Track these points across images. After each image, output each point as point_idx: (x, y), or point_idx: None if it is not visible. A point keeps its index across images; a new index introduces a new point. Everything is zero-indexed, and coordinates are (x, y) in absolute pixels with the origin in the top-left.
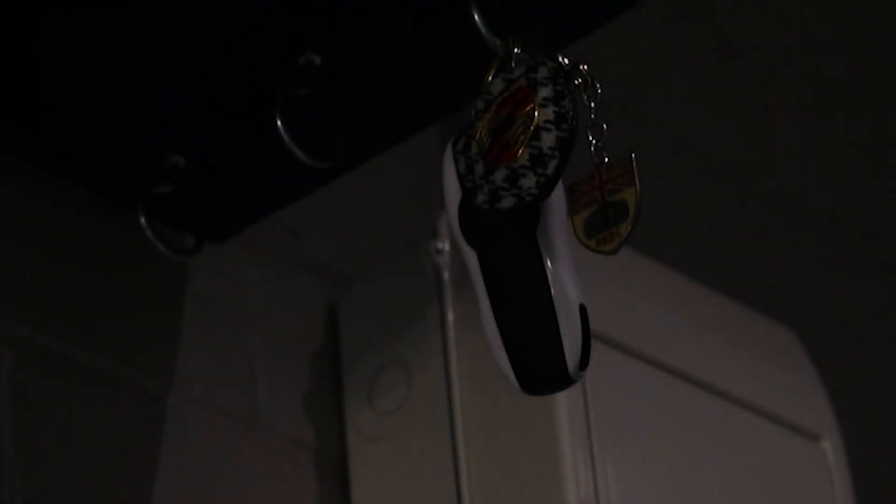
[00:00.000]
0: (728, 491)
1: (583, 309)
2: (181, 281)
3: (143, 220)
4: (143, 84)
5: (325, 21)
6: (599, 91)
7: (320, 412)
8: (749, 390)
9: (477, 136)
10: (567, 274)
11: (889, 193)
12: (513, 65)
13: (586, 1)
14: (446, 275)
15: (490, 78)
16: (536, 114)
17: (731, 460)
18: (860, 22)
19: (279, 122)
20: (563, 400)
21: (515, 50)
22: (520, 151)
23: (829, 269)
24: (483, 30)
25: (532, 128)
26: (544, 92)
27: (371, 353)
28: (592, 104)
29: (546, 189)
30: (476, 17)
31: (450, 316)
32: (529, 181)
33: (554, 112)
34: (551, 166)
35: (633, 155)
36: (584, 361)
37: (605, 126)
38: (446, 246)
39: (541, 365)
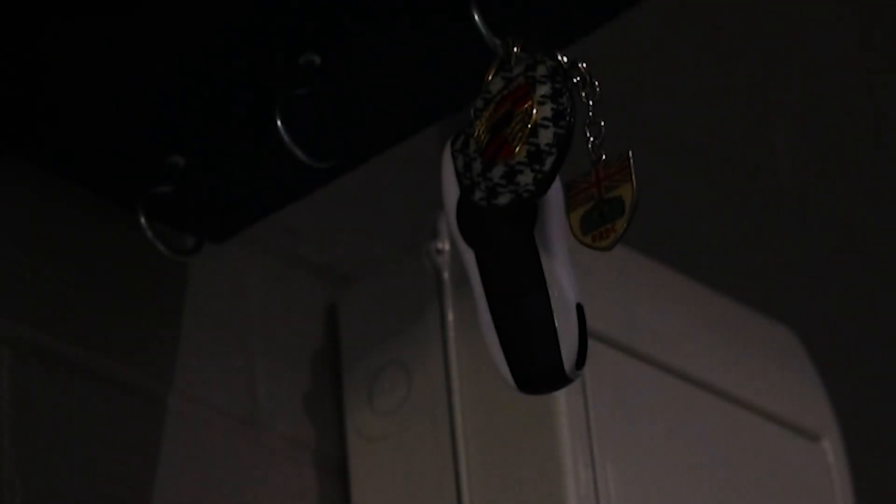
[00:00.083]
0: (728, 491)
1: (580, 308)
2: (181, 281)
3: (143, 220)
4: (143, 84)
5: (325, 21)
6: (598, 89)
7: (320, 412)
8: (749, 390)
9: (475, 134)
10: (564, 272)
11: (889, 193)
12: (512, 64)
13: (586, 1)
14: (446, 275)
15: (490, 77)
16: (534, 111)
17: (731, 460)
18: (860, 22)
19: (279, 122)
20: (563, 400)
21: (515, 49)
22: (517, 148)
23: (829, 269)
24: (483, 30)
25: (530, 125)
26: (543, 89)
27: (371, 353)
28: (590, 102)
29: (543, 185)
30: (476, 17)
31: (450, 316)
32: (527, 178)
33: (552, 109)
34: (549, 163)
35: (630, 152)
36: (580, 360)
37: (602, 124)
38: (446, 246)
39: (537, 364)
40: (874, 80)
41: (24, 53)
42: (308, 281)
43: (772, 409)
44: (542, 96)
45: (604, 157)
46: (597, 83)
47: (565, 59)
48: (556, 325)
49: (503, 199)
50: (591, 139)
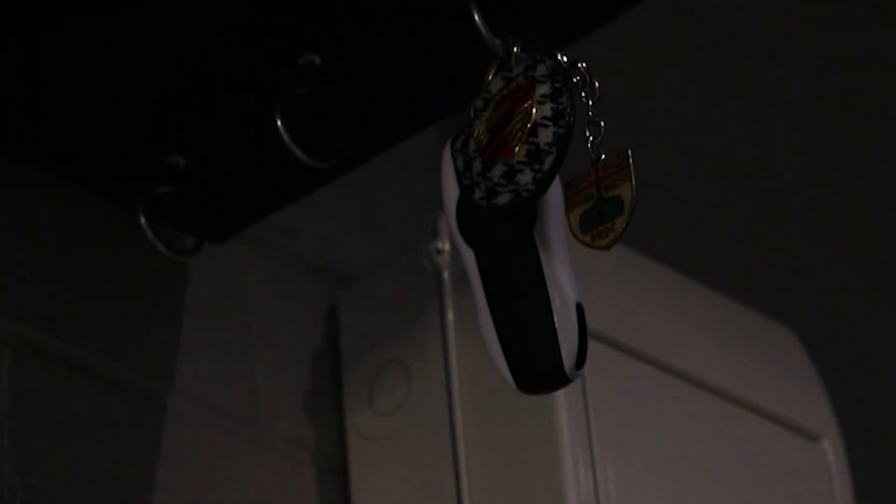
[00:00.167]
0: (728, 491)
1: (579, 307)
2: (181, 281)
3: (143, 220)
4: (143, 84)
5: (325, 21)
6: (597, 88)
7: (320, 412)
8: (749, 390)
9: (475, 134)
10: (564, 272)
11: (889, 193)
12: (512, 64)
13: (586, 1)
14: (446, 275)
15: (490, 77)
16: (534, 110)
17: (731, 460)
18: (860, 21)
19: (279, 122)
20: (563, 400)
21: (515, 49)
22: (517, 148)
23: (829, 269)
24: (483, 30)
25: (529, 124)
26: (542, 89)
27: (371, 353)
28: (590, 101)
29: (543, 185)
30: (476, 17)
31: (450, 316)
32: (526, 177)
33: (551, 109)
34: (548, 162)
35: (629, 151)
36: (580, 360)
37: (602, 123)
38: (446, 246)
39: (537, 364)
40: (874, 80)
41: (24, 53)
42: (308, 281)
43: (772, 409)
44: (542, 96)
45: (603, 156)
46: (596, 83)
47: (565, 58)
48: (556, 324)
49: (503, 199)
50: (591, 138)
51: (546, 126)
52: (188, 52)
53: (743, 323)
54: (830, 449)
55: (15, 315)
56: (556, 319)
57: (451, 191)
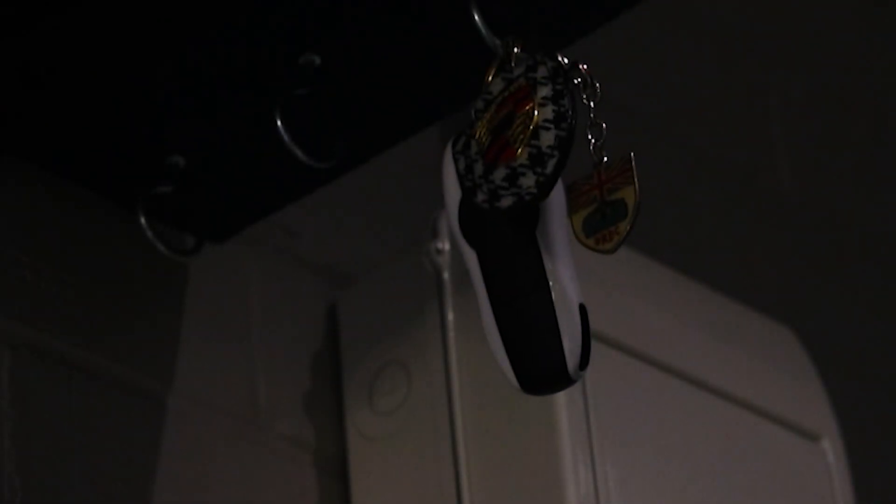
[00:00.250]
0: (728, 491)
1: (582, 308)
2: (181, 281)
3: (143, 220)
4: (143, 84)
5: (325, 21)
6: (599, 90)
7: (320, 412)
8: (749, 390)
9: (476, 136)
10: (567, 273)
11: (889, 193)
12: (513, 64)
13: (586, 1)
14: (446, 275)
15: (490, 78)
16: (536, 113)
17: (731, 460)
18: (860, 22)
19: (279, 122)
20: (563, 400)
21: (515, 50)
22: (519, 150)
23: (829, 269)
24: (483, 30)
25: (531, 127)
26: (543, 91)
27: (371, 353)
28: (592, 103)
29: (545, 188)
30: (476, 17)
31: (450, 316)
32: (529, 180)
33: (553, 111)
34: (550, 165)
35: (631, 154)
36: (584, 361)
37: (604, 125)
38: (446, 246)
39: (540, 364)
40: (874, 80)
41: (24, 53)
42: (308, 281)
43: (772, 409)
44: (544, 98)
45: (605, 158)
46: (598, 84)
47: (566, 60)
48: (559, 325)
49: (505, 202)
50: (593, 141)
51: (548, 129)
52: (188, 52)
53: (743, 323)
54: (830, 449)
55: (15, 315)
56: (559, 320)
57: (452, 192)
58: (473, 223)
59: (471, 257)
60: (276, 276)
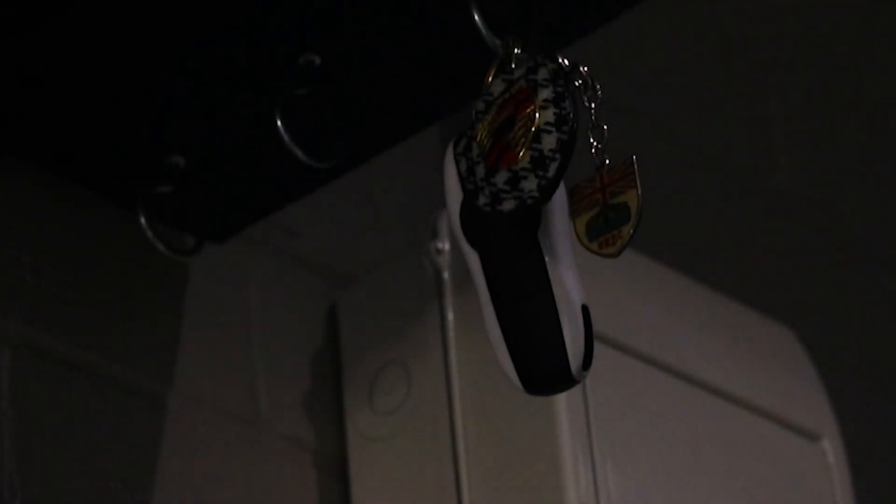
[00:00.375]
0: (728, 491)
1: (585, 309)
2: (181, 281)
3: (143, 220)
4: (143, 84)
5: (325, 21)
6: (600, 92)
7: (320, 412)
8: (749, 390)
9: (478, 138)
10: (569, 274)
11: (889, 193)
12: (513, 65)
13: (586, 1)
14: (446, 275)
15: (490, 78)
16: (537, 116)
17: (731, 460)
18: (860, 22)
19: (279, 122)
20: (563, 400)
21: (515, 50)
22: (521, 153)
23: (829, 269)
24: (483, 30)
25: (533, 130)
26: (545, 94)
27: (371, 353)
28: (593, 106)
29: (547, 191)
30: (476, 17)
31: (450, 316)
32: (530, 184)
33: (554, 114)
34: (552, 168)
35: (633, 157)
36: (586, 362)
37: (605, 128)
38: (446, 246)
39: (543, 365)
40: (874, 80)
41: (24, 53)
42: (308, 281)
43: (772, 409)
44: (545, 101)
45: (607, 161)
46: (598, 87)
47: (567, 62)
48: (562, 326)
49: (507, 206)
50: (595, 143)
51: (549, 132)
52: (188, 52)
53: (743, 323)
54: (830, 449)
55: (15, 315)
56: (561, 321)
57: (454, 194)
58: (475, 225)
59: (473, 259)
60: (276, 276)
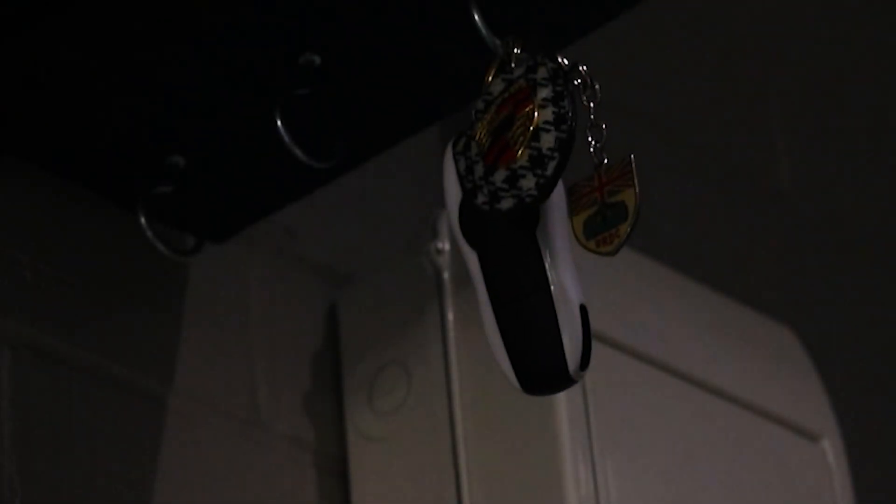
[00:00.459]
0: (728, 491)
1: (583, 309)
2: (181, 281)
3: (143, 220)
4: (143, 84)
5: (325, 21)
6: (599, 92)
7: (320, 412)
8: (749, 390)
9: (477, 137)
10: (567, 274)
11: (889, 193)
12: (513, 65)
13: (586, 1)
14: (446, 275)
15: (490, 78)
16: (536, 115)
17: (731, 460)
18: (860, 22)
19: (279, 122)
20: (563, 400)
21: (515, 50)
22: (519, 152)
23: (829, 269)
24: (483, 30)
25: (531, 129)
26: (544, 93)
27: (371, 353)
28: (592, 105)
29: (545, 190)
30: (476, 17)
31: (450, 316)
32: (529, 182)
33: (553, 113)
34: (551, 167)
35: (632, 156)
36: (584, 362)
37: (604, 127)
38: (446, 246)
39: (541, 365)
40: (874, 80)
41: (24, 53)
42: (308, 281)
43: (772, 409)
44: (544, 99)
45: (606, 160)
46: (597, 86)
47: (566, 61)
48: (560, 326)
49: (506, 204)
50: (593, 142)
51: (548, 130)
52: (188, 52)
53: (743, 323)
54: (830, 449)
55: (15, 315)
56: (559, 321)
57: (453, 193)
58: (474, 224)
59: (471, 258)
60: (276, 276)
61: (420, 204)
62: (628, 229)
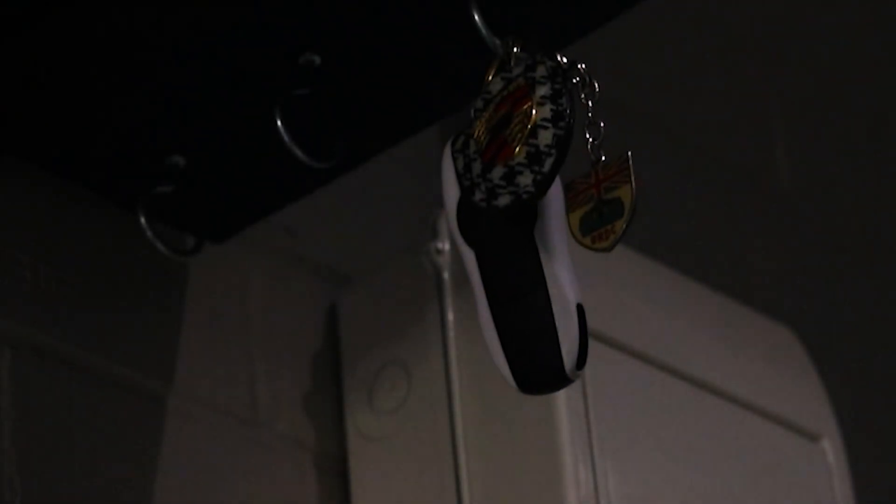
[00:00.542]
0: (728, 491)
1: (580, 308)
2: (181, 281)
3: (143, 220)
4: (143, 84)
5: (325, 21)
6: (597, 89)
7: (320, 412)
8: (749, 390)
9: (475, 135)
10: (564, 273)
11: (889, 193)
12: (512, 64)
13: (586, 1)
14: (446, 275)
15: (490, 77)
16: (534, 112)
17: (731, 460)
18: (860, 22)
19: (279, 122)
20: (563, 400)
21: (515, 49)
22: (517, 149)
23: (829, 269)
24: (483, 30)
25: (529, 126)
26: (542, 90)
27: (371, 353)
28: (590, 103)
29: (543, 187)
30: (476, 17)
31: (450, 316)
32: (526, 179)
33: (551, 110)
34: (548, 164)
35: (629, 153)
36: (581, 361)
37: (601, 124)
38: (446, 246)
39: (538, 364)
40: (874, 80)
41: (24, 53)
42: (308, 281)
43: (772, 409)
44: (542, 97)
45: (603, 158)
46: (596, 84)
47: (565, 59)
48: (557, 325)
49: (503, 201)
50: (591, 140)
51: (546, 128)
52: (188, 52)
53: (743, 323)
54: (830, 449)
55: (15, 315)
56: (556, 320)
57: (451, 192)
58: (472, 222)
59: (469, 257)
60: (276, 276)
61: (420, 204)
62: (624, 225)
